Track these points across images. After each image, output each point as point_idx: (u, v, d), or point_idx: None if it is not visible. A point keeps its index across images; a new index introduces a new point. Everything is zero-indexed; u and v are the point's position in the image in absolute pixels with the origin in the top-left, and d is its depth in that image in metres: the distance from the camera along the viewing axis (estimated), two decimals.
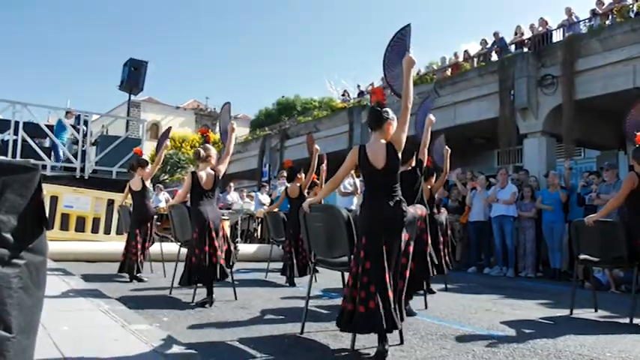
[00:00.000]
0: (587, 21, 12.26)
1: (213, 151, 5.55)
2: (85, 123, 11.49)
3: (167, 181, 30.90)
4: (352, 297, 3.39)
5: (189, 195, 5.39)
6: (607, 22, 11.42)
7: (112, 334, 3.60)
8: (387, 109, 3.61)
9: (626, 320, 4.96)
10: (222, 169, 5.44)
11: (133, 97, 14.16)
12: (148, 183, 7.33)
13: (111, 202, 10.17)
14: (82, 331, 3.66)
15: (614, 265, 6.01)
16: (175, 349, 3.21)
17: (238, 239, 13.09)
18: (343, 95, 21.65)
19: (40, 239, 2.29)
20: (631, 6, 11.16)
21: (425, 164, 5.70)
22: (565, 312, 5.46)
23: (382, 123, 3.56)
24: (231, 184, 16.77)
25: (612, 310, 5.63)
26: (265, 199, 13.29)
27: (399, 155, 3.50)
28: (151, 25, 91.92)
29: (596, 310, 5.54)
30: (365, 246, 3.40)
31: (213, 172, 5.37)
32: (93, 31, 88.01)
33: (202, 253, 5.18)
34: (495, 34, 14.42)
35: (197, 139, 38.54)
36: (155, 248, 8.20)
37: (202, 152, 5.46)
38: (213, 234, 5.25)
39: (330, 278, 7.09)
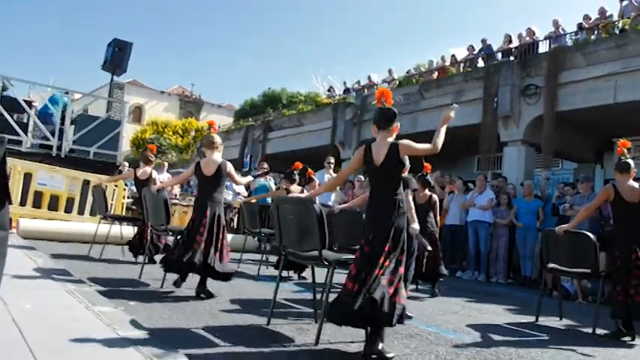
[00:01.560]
0: (573, 34, 12.40)
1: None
2: (64, 100, 11.29)
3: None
4: (351, 289, 3.35)
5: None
6: (592, 37, 11.56)
7: (74, 314, 3.56)
8: (396, 111, 3.76)
9: (589, 330, 5.05)
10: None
11: (116, 79, 13.97)
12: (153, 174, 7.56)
13: (87, 183, 10.01)
14: (44, 310, 3.61)
15: (581, 276, 6.09)
16: (137, 332, 3.18)
17: None
18: (329, 91, 21.62)
19: (1, 213, 2.24)
20: (616, 23, 11.31)
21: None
22: (531, 319, 5.53)
23: (391, 124, 3.72)
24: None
25: (577, 319, 5.72)
26: (241, 188, 13.21)
27: (402, 158, 3.65)
28: (141, 7, 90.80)
29: (561, 319, 5.62)
30: (367, 241, 3.46)
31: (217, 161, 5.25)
32: (80, 8, 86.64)
33: (195, 243, 5.05)
34: (483, 41, 14.52)
35: (180, 125, 38.27)
36: (128, 231, 8.14)
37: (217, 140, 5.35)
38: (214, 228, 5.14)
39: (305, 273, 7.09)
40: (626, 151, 5.26)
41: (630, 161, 5.17)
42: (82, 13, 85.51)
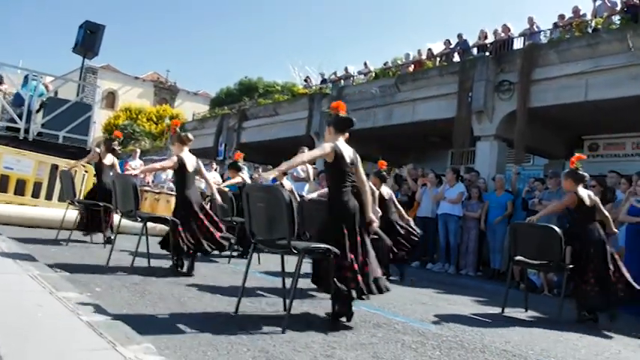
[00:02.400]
0: (547, 32, 12.57)
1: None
2: (33, 82, 11.00)
3: (119, 152, 30.15)
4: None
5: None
6: (567, 36, 11.73)
7: (37, 299, 3.49)
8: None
9: (553, 322, 5.18)
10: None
11: (90, 63, 13.72)
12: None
13: (55, 168, 9.80)
14: (6, 295, 3.53)
15: (547, 269, 6.22)
16: (101, 317, 3.14)
17: None
18: (306, 81, 21.55)
19: None
20: (589, 22, 11.49)
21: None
22: (497, 310, 5.63)
23: (348, 130, 4.17)
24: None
25: (541, 311, 5.84)
26: (215, 177, 13.11)
27: None
28: None
29: (526, 310, 5.73)
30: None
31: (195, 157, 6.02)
32: None
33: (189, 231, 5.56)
34: (459, 36, 14.62)
35: (154, 112, 37.75)
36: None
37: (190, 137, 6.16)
38: (201, 215, 5.67)
39: (274, 261, 7.07)
40: (579, 164, 5.76)
41: (584, 173, 5.72)
42: None
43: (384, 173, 7.35)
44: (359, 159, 4.16)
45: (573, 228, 5.65)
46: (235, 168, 8.20)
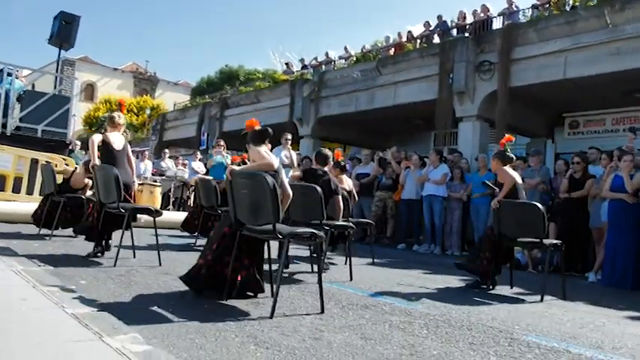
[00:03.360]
0: (526, 11, 12.60)
1: (124, 121, 6.24)
2: (9, 75, 10.79)
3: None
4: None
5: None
6: (545, 14, 11.77)
7: (21, 293, 3.45)
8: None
9: (537, 298, 5.24)
10: None
11: (67, 55, 13.48)
12: None
13: (35, 162, 9.65)
14: None
15: (531, 245, 6.29)
16: (86, 309, 3.12)
17: (170, 207, 12.85)
18: (287, 67, 21.39)
19: None
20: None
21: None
22: (483, 288, 5.69)
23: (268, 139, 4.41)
24: (166, 151, 16.39)
25: (526, 287, 5.91)
26: (200, 166, 13.04)
27: None
28: None
29: (511, 287, 5.80)
30: None
31: (123, 137, 6.02)
32: None
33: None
34: (439, 17, 14.61)
35: (135, 103, 37.31)
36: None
37: (117, 119, 6.15)
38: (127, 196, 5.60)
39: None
40: (508, 145, 6.05)
41: (512, 155, 6.07)
42: None
43: (344, 163, 7.43)
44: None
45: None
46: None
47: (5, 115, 10.53)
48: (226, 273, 3.97)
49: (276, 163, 4.18)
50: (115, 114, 6.24)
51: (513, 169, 6.07)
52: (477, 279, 5.78)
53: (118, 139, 6.01)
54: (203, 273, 4.03)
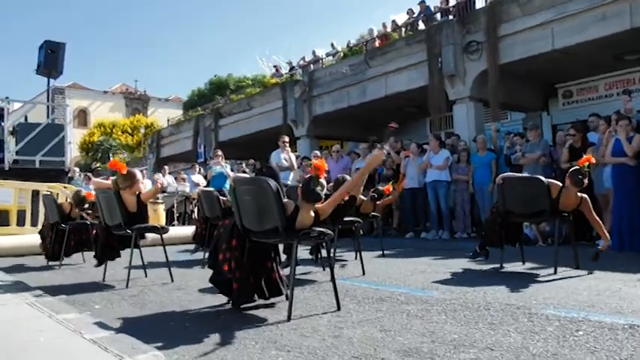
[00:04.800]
0: None
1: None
2: (1, 110, 10.81)
3: (99, 169, 29.84)
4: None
5: None
6: None
7: (39, 325, 3.44)
8: None
9: (551, 270, 5.23)
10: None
11: (55, 83, 13.53)
12: None
13: (36, 193, 9.66)
14: (6, 326, 3.48)
15: (538, 219, 6.28)
16: (105, 333, 3.11)
17: (175, 222, 12.86)
18: (276, 70, 21.40)
19: None
20: None
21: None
22: (496, 267, 5.68)
23: None
24: (166, 167, 16.39)
25: (539, 262, 5.90)
26: (200, 179, 13.05)
27: None
28: (71, 7, 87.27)
29: (523, 263, 5.79)
30: None
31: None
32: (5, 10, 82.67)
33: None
34: (421, 4, 14.60)
35: (128, 123, 37.36)
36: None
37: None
38: None
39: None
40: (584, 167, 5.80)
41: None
42: (9, 18, 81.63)
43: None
44: None
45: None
46: None
47: (1, 149, 10.54)
48: (251, 281, 3.94)
49: None
50: None
51: None
52: (475, 249, 5.92)
53: None
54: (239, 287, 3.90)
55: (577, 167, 5.30)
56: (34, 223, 9.70)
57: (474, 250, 5.99)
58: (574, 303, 3.83)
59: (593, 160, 5.72)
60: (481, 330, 3.17)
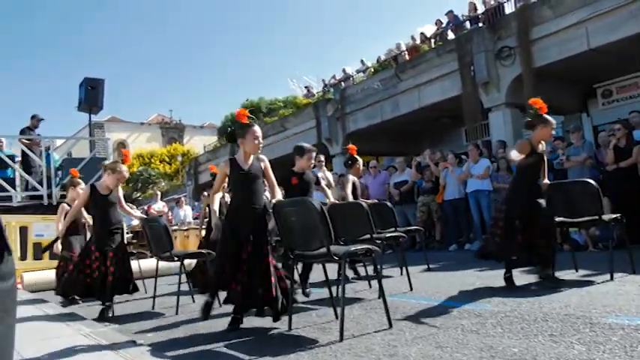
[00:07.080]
0: None
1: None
2: (48, 148, 11.20)
3: (140, 198, 30.49)
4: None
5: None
6: None
7: (96, 356, 3.50)
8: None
9: (607, 277, 5.04)
10: None
11: (95, 118, 13.87)
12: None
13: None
14: (64, 358, 3.55)
15: (588, 224, 6.09)
16: None
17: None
18: (307, 91, 21.57)
19: (3, 266, 2.19)
20: None
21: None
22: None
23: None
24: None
25: (592, 268, 5.70)
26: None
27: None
28: (106, 45, 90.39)
29: (576, 270, 5.61)
30: None
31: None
32: (45, 55, 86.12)
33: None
34: (449, 13, 14.54)
35: (165, 152, 38.16)
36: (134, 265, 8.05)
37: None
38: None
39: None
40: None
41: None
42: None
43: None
44: None
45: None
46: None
47: (49, 186, 10.88)
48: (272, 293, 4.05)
49: None
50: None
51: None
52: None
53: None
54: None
55: None
56: None
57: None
58: (637, 310, 3.68)
59: None
60: (542, 343, 3.06)
